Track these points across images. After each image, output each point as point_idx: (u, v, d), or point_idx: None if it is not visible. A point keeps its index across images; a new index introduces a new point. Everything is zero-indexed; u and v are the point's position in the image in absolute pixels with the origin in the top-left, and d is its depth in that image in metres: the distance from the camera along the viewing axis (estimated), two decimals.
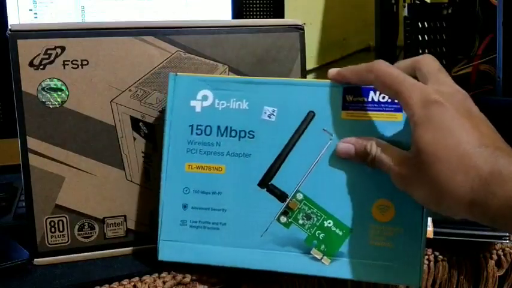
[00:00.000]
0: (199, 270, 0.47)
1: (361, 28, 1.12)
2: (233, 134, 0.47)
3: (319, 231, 0.45)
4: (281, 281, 0.48)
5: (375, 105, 0.45)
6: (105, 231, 0.51)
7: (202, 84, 0.48)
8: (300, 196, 0.46)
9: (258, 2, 0.84)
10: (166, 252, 0.47)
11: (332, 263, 0.45)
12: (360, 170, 0.45)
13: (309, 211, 0.45)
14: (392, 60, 0.96)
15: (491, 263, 0.54)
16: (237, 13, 0.83)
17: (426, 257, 0.53)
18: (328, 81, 0.47)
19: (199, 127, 0.47)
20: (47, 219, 0.49)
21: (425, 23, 0.89)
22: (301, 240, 0.45)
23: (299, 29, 0.54)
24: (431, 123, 0.38)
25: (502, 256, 0.55)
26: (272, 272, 0.46)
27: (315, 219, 0.45)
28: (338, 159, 0.45)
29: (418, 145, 0.38)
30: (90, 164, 0.50)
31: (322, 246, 0.45)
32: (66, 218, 0.50)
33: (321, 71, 1.11)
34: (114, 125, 0.50)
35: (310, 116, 0.46)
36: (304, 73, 0.55)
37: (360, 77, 0.44)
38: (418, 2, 0.93)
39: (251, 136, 0.47)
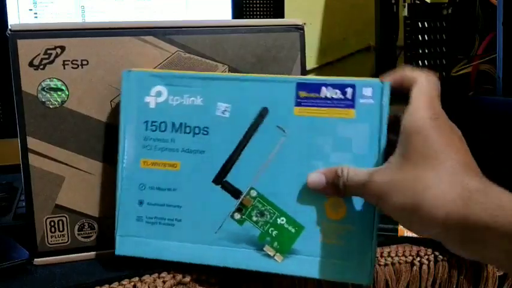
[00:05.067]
0: (199, 270, 0.47)
1: (361, 28, 1.12)
2: (187, 130, 0.47)
3: (272, 229, 0.45)
4: (281, 283, 0.48)
5: (328, 101, 0.45)
6: (105, 230, 0.51)
7: (156, 80, 0.48)
8: (253, 193, 0.46)
9: (258, 2, 0.84)
10: (123, 247, 0.47)
11: (284, 260, 0.45)
12: (313, 168, 0.45)
13: (263, 208, 0.46)
14: (392, 61, 0.96)
15: None
16: (237, 13, 0.83)
17: (426, 257, 0.53)
18: (281, 76, 0.47)
19: (154, 123, 0.47)
20: (46, 219, 0.49)
21: (425, 23, 0.89)
22: (255, 237, 0.46)
23: (299, 29, 0.54)
24: (427, 134, 0.38)
25: None
26: (272, 273, 0.46)
27: (268, 216, 0.46)
28: (292, 156, 0.45)
29: (409, 149, 0.39)
30: (90, 163, 0.50)
31: (275, 244, 0.45)
32: (66, 217, 0.50)
33: (321, 71, 1.11)
34: (114, 125, 0.50)
35: (263, 112, 0.46)
36: (304, 73, 0.55)
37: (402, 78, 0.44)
38: (418, 2, 0.93)
39: (205, 132, 0.47)
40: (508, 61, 0.67)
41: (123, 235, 0.47)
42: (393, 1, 0.93)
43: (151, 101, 0.48)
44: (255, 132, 0.46)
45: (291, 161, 0.45)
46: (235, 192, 0.46)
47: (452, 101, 0.75)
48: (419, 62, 0.88)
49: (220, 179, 0.46)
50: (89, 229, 0.51)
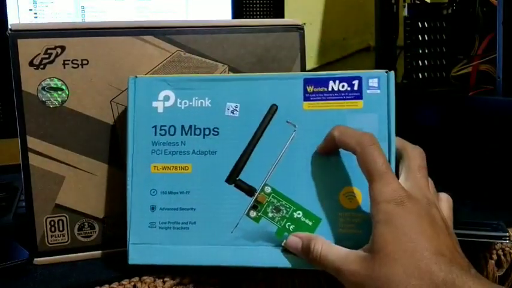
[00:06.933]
0: (198, 271, 0.47)
1: (361, 28, 1.13)
2: (197, 132, 0.47)
3: (289, 223, 0.45)
4: (280, 282, 0.48)
5: (336, 94, 0.46)
6: (105, 230, 0.51)
7: (163, 85, 0.48)
8: (268, 189, 0.46)
9: (258, 2, 0.84)
10: (136, 255, 0.46)
11: None
12: (325, 160, 0.45)
13: (278, 203, 0.46)
14: (392, 61, 0.96)
15: (491, 263, 0.54)
16: (237, 13, 0.83)
17: None
18: (288, 74, 0.48)
19: (162, 127, 0.47)
20: (46, 218, 0.49)
21: (425, 23, 0.88)
22: (272, 234, 0.45)
23: (299, 28, 0.54)
24: (393, 225, 0.39)
25: (502, 256, 0.55)
26: (271, 272, 0.46)
27: (284, 211, 0.46)
28: (303, 150, 0.46)
29: (377, 244, 0.39)
30: (90, 163, 0.50)
31: None
32: (66, 217, 0.50)
33: (320, 71, 1.11)
34: (114, 125, 0.50)
35: (273, 109, 0.47)
36: None
37: (349, 144, 0.43)
38: (418, 2, 0.93)
39: (216, 133, 0.47)
40: (508, 61, 0.67)
41: (136, 243, 0.46)
42: (393, 1, 0.93)
43: (159, 105, 0.48)
44: (266, 129, 0.47)
45: (303, 154, 0.46)
46: (249, 190, 0.46)
47: (452, 101, 0.75)
48: (419, 62, 0.88)
49: (233, 178, 0.46)
50: (89, 229, 0.51)
